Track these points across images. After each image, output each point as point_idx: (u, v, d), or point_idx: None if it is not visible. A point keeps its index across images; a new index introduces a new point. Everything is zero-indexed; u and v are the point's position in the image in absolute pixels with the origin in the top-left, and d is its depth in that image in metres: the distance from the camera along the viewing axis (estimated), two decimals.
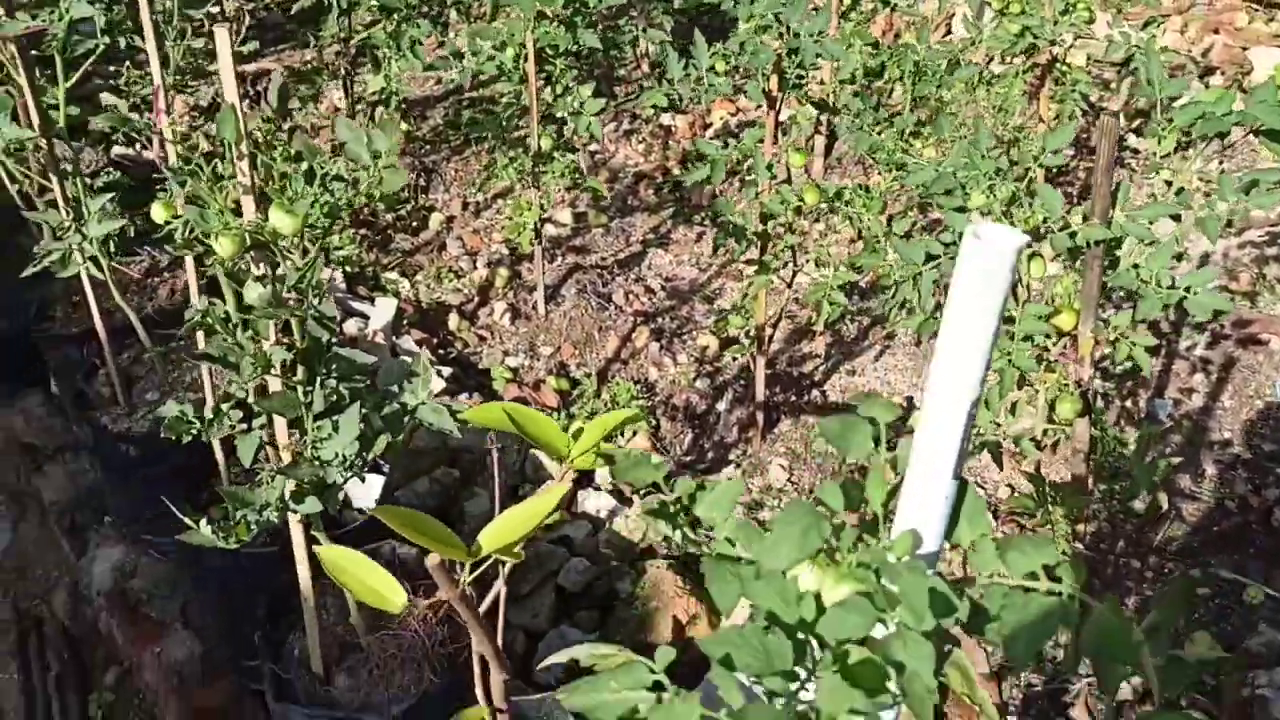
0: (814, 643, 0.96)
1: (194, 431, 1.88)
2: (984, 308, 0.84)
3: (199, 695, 2.62)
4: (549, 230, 4.12)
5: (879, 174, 3.10)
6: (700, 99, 4.96)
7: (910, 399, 3.36)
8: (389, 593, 1.42)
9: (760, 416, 3.14)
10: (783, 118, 4.85)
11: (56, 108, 2.46)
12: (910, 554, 0.95)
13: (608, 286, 3.86)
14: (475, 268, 4.02)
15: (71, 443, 3.25)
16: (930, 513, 0.95)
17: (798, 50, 2.59)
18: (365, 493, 2.64)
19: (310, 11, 4.33)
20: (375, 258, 4.03)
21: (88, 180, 2.53)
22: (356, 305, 3.62)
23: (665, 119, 4.79)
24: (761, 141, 2.77)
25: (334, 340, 1.85)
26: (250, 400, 1.83)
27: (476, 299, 3.88)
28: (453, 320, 3.74)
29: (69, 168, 2.49)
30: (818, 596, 1.01)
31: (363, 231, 4.12)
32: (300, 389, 1.84)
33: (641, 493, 3.05)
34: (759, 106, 4.97)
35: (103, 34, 2.27)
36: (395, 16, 3.81)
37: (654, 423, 3.28)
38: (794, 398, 3.34)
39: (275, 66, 5.44)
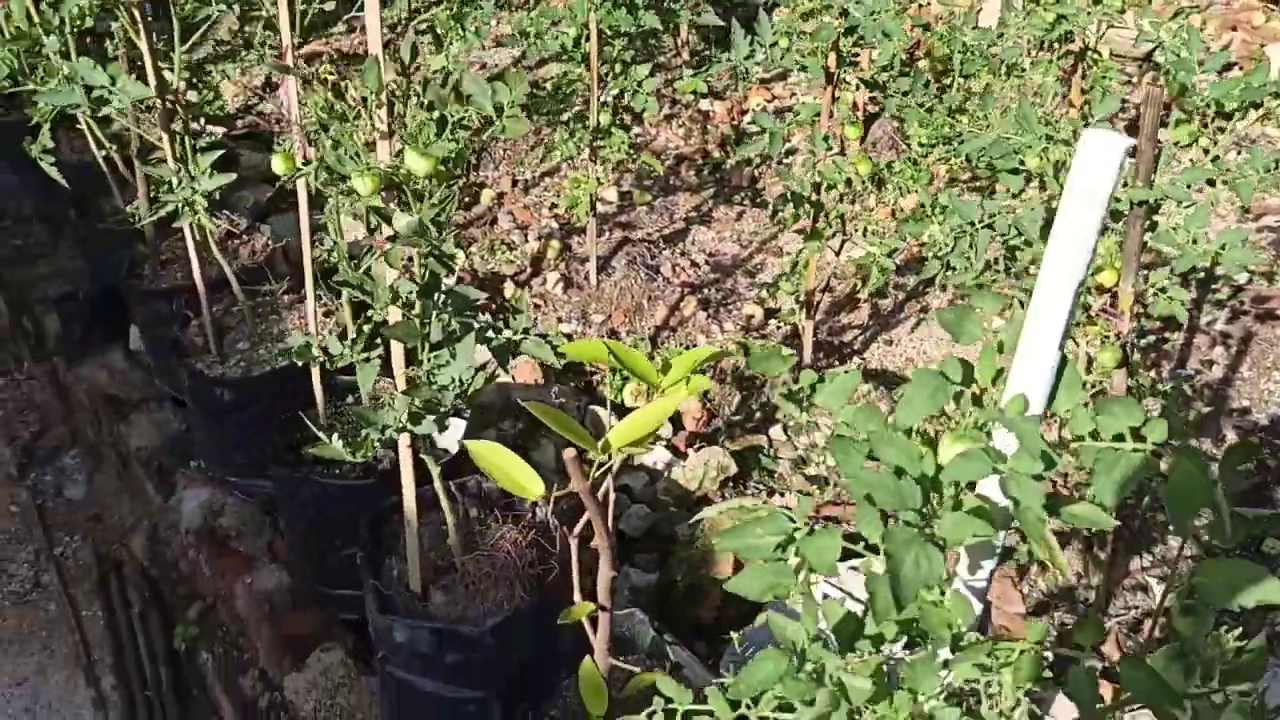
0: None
1: (317, 359, 2.07)
2: (1095, 199, 1.03)
3: (289, 622, 2.81)
4: (596, 208, 4.31)
5: (916, 150, 3.29)
6: (738, 86, 5.15)
7: None
8: (528, 483, 1.61)
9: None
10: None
11: (172, 69, 2.65)
12: (1021, 415, 1.14)
13: (655, 259, 4.05)
14: (527, 240, 4.21)
15: (155, 393, 3.44)
16: (1037, 380, 1.14)
17: (856, 28, 2.78)
18: (449, 436, 2.83)
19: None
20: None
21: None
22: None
23: (704, 104, 4.98)
24: (818, 116, 2.96)
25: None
26: (377, 329, 2.01)
27: (529, 270, 4.07)
28: (508, 289, 3.93)
29: (179, 127, 2.69)
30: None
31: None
32: (419, 321, 2.03)
33: (697, 446, 3.24)
34: (793, 95, 5.19)
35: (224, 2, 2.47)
36: None
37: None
38: (837, 363, 3.53)
39: (324, 50, 5.64)
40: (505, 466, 1.61)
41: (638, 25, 3.53)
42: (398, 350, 2.09)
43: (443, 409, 2.03)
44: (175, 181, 2.65)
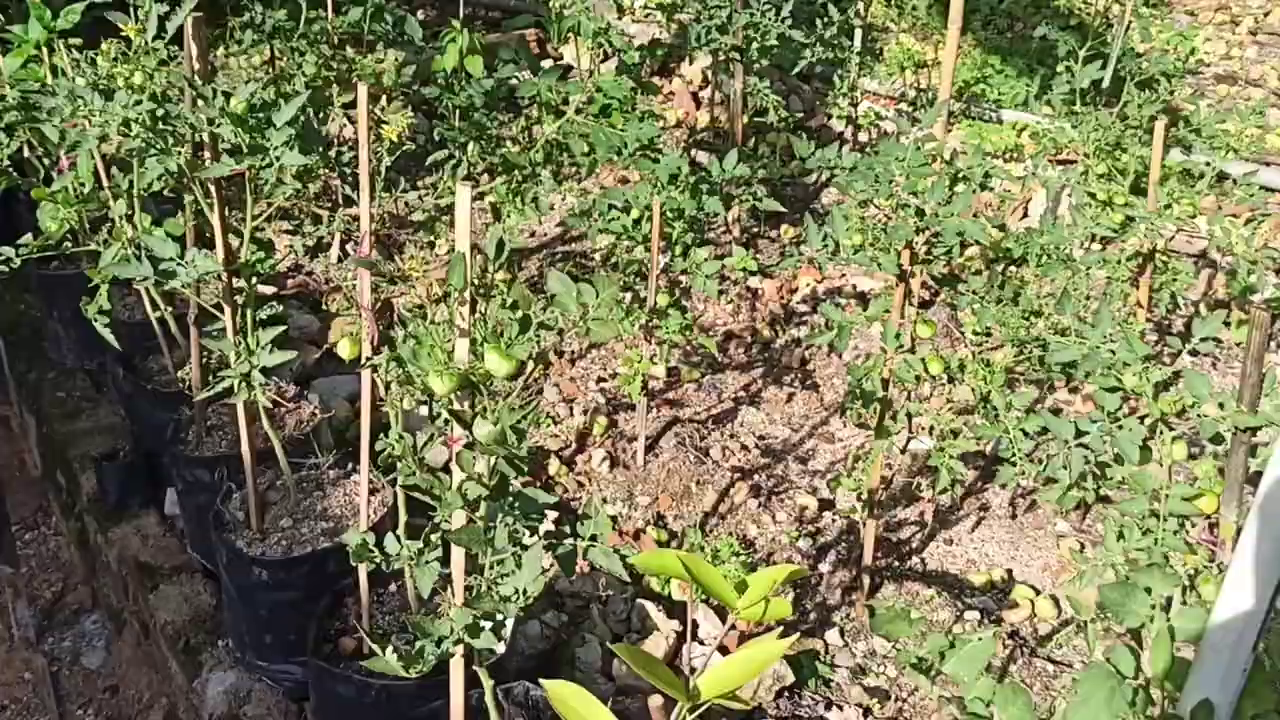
0: None
1: (376, 560, 1.96)
2: None
3: None
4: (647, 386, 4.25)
5: (972, 345, 3.21)
6: (788, 266, 5.16)
7: (1010, 571, 3.39)
8: None
9: (866, 581, 3.17)
10: (864, 288, 5.02)
11: (241, 242, 2.62)
12: None
13: (705, 441, 3.95)
14: (572, 414, 4.13)
15: (187, 564, 3.31)
16: (1227, 686, 1.01)
17: (931, 227, 2.73)
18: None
19: (407, 159, 4.59)
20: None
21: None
22: None
23: (753, 281, 4.96)
24: (888, 311, 2.89)
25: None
26: (438, 533, 1.90)
27: (574, 445, 3.97)
28: (553, 465, 3.83)
29: (241, 300, 2.64)
30: None
31: None
32: (484, 525, 1.92)
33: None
34: (843, 275, 5.17)
35: (299, 179, 2.45)
36: (518, 173, 4.03)
37: None
38: (896, 563, 3.38)
39: (375, 211, 5.70)
40: (588, 714, 1.47)
41: (700, 209, 3.52)
42: (458, 555, 1.97)
43: (505, 622, 1.90)
44: (234, 356, 2.59)
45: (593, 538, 1.99)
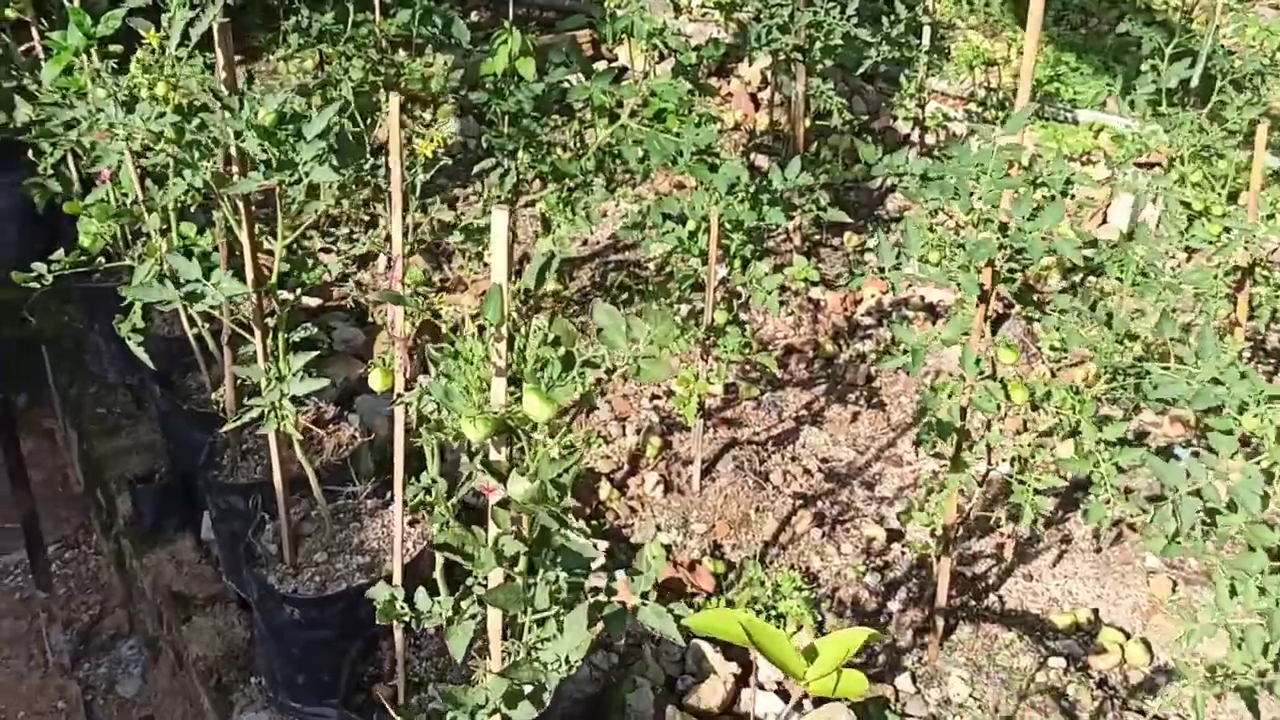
0: None
1: (405, 619, 1.78)
2: None
3: None
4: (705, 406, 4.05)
5: (1050, 363, 2.97)
6: (852, 275, 4.92)
7: (1096, 612, 3.14)
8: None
9: (940, 622, 2.94)
10: (933, 300, 4.77)
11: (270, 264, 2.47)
12: None
13: (764, 464, 3.74)
14: (624, 434, 3.94)
15: (221, 594, 3.18)
16: None
17: (1014, 244, 2.50)
18: None
19: (456, 164, 4.43)
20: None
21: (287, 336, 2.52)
22: None
23: (815, 293, 4.74)
24: (966, 334, 2.66)
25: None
26: (477, 592, 1.72)
27: (626, 467, 3.78)
28: (604, 489, 3.64)
29: (271, 323, 2.48)
30: None
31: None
32: (522, 580, 1.74)
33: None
34: (909, 286, 4.92)
35: (335, 197, 2.29)
36: (568, 182, 3.85)
37: (819, 617, 3.10)
38: (972, 601, 3.14)
39: (422, 220, 5.56)
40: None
41: (760, 220, 3.32)
42: (495, 616, 1.79)
43: (545, 692, 1.72)
44: (264, 383, 2.43)
45: (644, 595, 1.80)
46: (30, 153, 3.99)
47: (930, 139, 5.69)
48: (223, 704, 2.86)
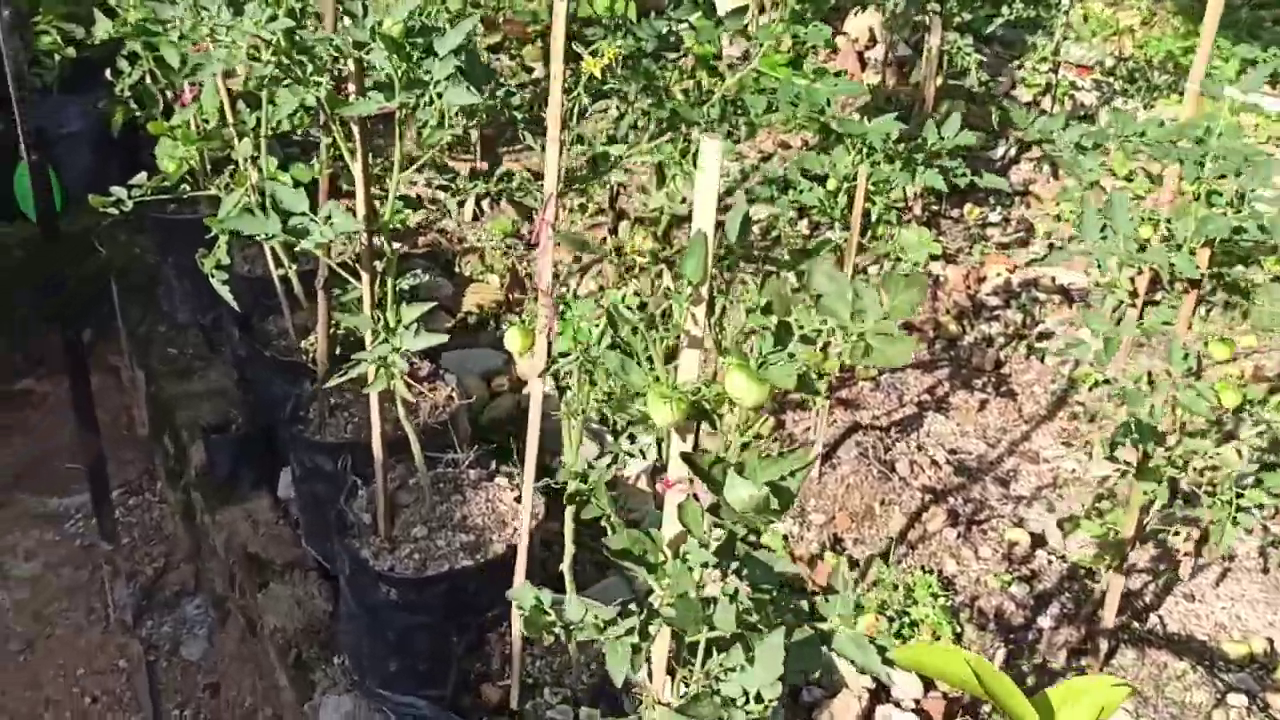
0: None
1: (554, 631, 1.48)
2: None
3: None
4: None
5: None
6: (974, 250, 4.54)
7: (1271, 642, 2.79)
8: None
9: (1103, 644, 2.61)
10: (1064, 281, 4.39)
11: (383, 199, 2.17)
12: None
13: (889, 452, 3.41)
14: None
15: (301, 559, 2.91)
16: None
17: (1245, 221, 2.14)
18: None
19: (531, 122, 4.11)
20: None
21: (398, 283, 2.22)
22: (609, 437, 3.25)
23: (935, 268, 4.38)
24: (1169, 324, 2.31)
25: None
26: (647, 606, 1.42)
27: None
28: None
29: (380, 266, 2.19)
30: None
31: None
32: (699, 598, 1.43)
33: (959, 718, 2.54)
34: (1029, 262, 4.54)
35: (466, 123, 1.97)
36: (685, 131, 3.51)
37: (958, 629, 2.78)
38: (1133, 623, 2.80)
39: (517, 168, 5.25)
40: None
41: (914, 182, 2.97)
42: (664, 635, 1.48)
43: None
44: (370, 335, 2.14)
45: (841, 619, 1.49)
46: (109, 72, 3.74)
47: (1056, 108, 5.29)
48: (302, 683, 2.60)
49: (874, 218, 3.07)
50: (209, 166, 3.28)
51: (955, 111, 5.24)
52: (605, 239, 4.48)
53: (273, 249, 3.09)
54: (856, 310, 1.34)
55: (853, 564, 3.04)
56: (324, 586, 2.83)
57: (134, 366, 4.08)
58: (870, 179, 2.92)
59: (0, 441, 4.00)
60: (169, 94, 3.68)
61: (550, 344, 1.78)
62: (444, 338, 2.12)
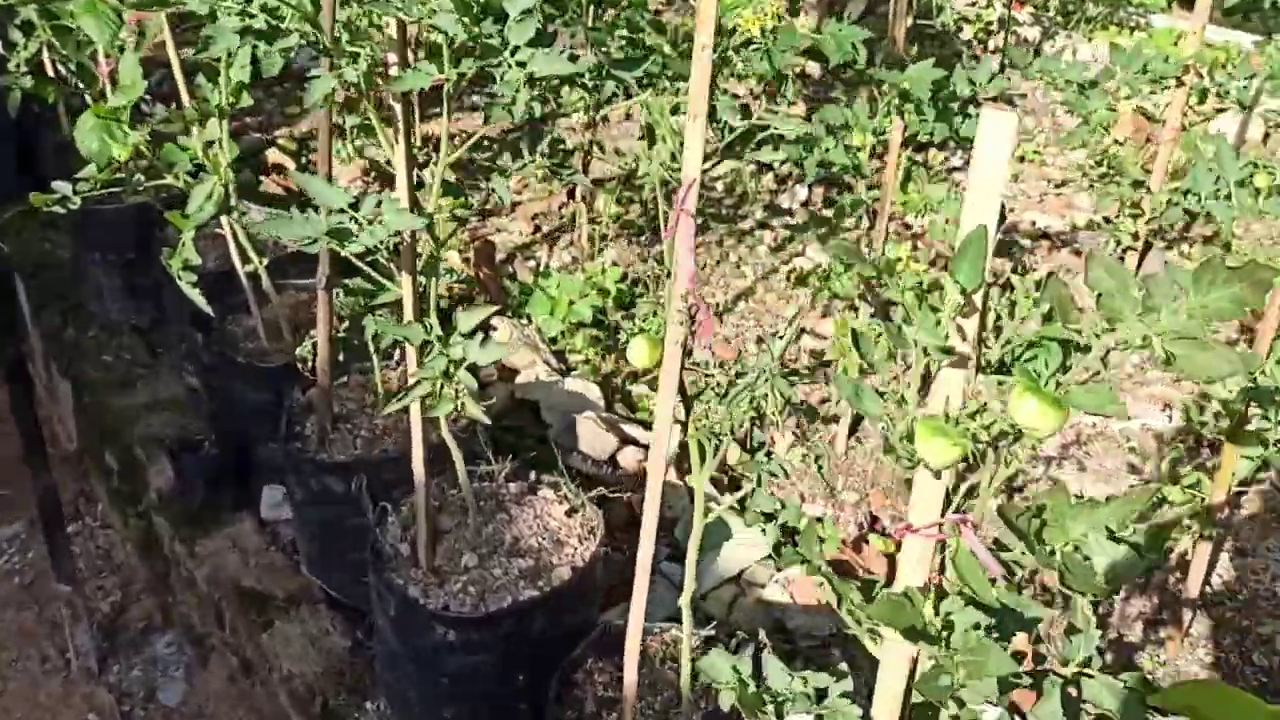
0: None
1: (767, 709, 1.23)
2: None
3: None
4: (816, 346, 3.52)
5: None
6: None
7: None
8: None
9: (1187, 615, 2.50)
10: (1044, 225, 4.28)
11: (421, 187, 1.85)
12: None
13: None
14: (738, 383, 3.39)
15: (304, 591, 2.58)
16: None
17: None
18: None
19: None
20: (617, 364, 3.39)
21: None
22: (629, 429, 2.99)
23: (909, 218, 4.21)
24: None
25: None
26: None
27: (746, 423, 3.24)
28: (733, 452, 3.11)
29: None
30: None
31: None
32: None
33: None
34: (1011, 208, 4.42)
35: (529, 101, 1.67)
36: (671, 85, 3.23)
37: None
38: (1209, 590, 2.70)
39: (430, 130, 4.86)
40: None
41: (953, 135, 2.76)
42: (889, 696, 1.25)
43: None
44: (415, 349, 1.83)
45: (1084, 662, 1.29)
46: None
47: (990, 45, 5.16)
48: None
49: (908, 174, 2.86)
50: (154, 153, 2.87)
51: (907, 54, 5.07)
52: (565, 204, 4.18)
53: (237, 241, 2.72)
54: (1148, 308, 1.11)
55: (897, 545, 2.87)
56: (336, 620, 2.51)
57: (53, 375, 3.62)
58: (905, 131, 2.71)
59: None
60: (65, 67, 3.24)
61: (684, 359, 1.52)
62: (503, 353, 1.83)
